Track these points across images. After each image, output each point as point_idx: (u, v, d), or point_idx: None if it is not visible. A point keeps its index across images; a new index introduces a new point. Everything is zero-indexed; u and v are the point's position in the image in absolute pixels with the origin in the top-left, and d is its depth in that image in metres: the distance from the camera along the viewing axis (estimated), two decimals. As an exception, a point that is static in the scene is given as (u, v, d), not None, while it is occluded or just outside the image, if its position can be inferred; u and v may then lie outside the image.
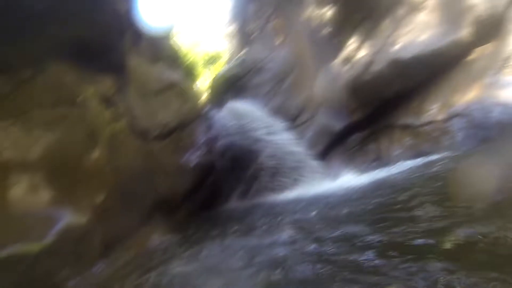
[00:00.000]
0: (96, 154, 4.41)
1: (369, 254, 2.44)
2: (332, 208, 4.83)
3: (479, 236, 2.24)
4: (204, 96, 11.95)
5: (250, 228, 4.67)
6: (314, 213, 4.69)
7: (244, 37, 12.56)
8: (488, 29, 6.87)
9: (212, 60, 15.36)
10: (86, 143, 4.34)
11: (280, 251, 3.13)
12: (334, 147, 9.47)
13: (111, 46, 5.29)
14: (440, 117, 7.17)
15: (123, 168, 4.95)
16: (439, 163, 5.98)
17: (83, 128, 4.37)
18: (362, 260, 2.39)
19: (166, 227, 5.53)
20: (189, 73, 10.15)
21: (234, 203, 8.39)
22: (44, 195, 3.65)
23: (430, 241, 2.43)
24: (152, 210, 5.32)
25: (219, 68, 12.69)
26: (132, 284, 3.02)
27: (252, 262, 2.98)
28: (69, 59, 4.45)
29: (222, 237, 4.35)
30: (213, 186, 8.13)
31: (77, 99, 4.41)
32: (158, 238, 4.89)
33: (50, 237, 3.14)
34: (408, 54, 7.51)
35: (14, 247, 2.74)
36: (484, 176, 3.54)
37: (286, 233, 3.82)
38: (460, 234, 2.36)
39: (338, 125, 9.08)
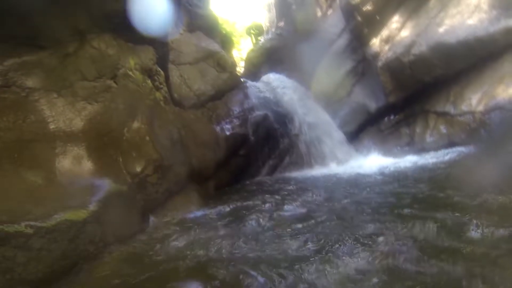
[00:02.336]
0: (137, 124, 4.61)
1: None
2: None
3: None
4: (241, 67, 11.89)
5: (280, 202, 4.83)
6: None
7: (284, 7, 12.22)
8: None
9: (250, 30, 15.14)
10: (127, 114, 4.53)
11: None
12: (367, 127, 9.35)
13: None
14: (479, 108, 6.85)
15: (161, 138, 5.14)
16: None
17: (125, 99, 4.55)
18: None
19: (200, 197, 5.75)
20: (227, 43, 10.07)
21: (264, 176, 8.50)
22: (87, 165, 3.90)
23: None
24: (187, 179, 5.50)
25: (258, 38, 12.49)
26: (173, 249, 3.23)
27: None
28: (111, 31, 4.57)
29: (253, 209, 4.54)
30: (245, 158, 8.26)
31: (119, 71, 4.56)
32: (193, 207, 5.08)
33: (94, 205, 3.34)
34: (453, 38, 7.10)
35: (62, 215, 2.94)
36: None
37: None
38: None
39: (373, 105, 8.90)
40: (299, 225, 3.52)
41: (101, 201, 3.45)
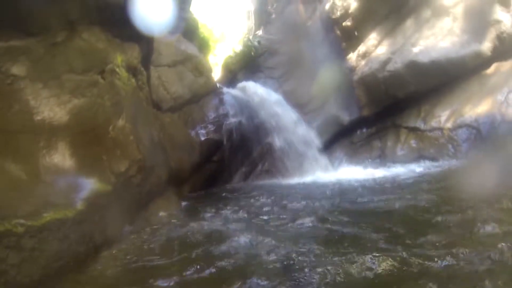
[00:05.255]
0: (122, 122, 4.43)
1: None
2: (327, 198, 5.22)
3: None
4: (218, 73, 11.84)
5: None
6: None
7: (263, 16, 12.37)
8: (509, 47, 7.00)
9: (228, 37, 15.17)
10: (113, 111, 4.34)
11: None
12: (340, 138, 9.59)
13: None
14: (448, 125, 7.34)
15: (144, 138, 4.99)
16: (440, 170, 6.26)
17: (112, 96, 4.36)
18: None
19: (177, 200, 5.66)
20: (204, 47, 10.00)
21: (237, 183, 8.48)
22: (72, 161, 3.68)
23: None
24: (167, 182, 5.40)
25: (235, 45, 12.52)
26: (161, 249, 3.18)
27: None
28: (101, 25, 4.40)
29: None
30: (218, 164, 8.21)
31: (107, 66, 4.38)
32: (173, 209, 4.99)
33: (80, 204, 3.18)
34: (426, 57, 7.59)
35: (51, 213, 2.76)
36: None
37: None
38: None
39: (346, 117, 9.18)
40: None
41: (87, 200, 3.28)
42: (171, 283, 2.39)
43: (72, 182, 3.52)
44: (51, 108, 3.68)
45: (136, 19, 4.94)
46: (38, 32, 3.70)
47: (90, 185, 3.58)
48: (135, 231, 3.82)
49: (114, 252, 3.15)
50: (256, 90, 9.41)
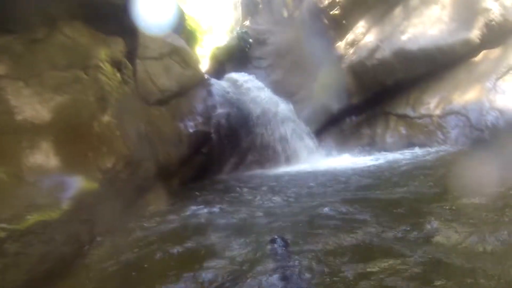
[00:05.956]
0: (107, 118, 4.36)
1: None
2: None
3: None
4: (205, 64, 11.73)
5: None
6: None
7: (250, 7, 12.23)
8: (498, 35, 7.00)
9: (215, 28, 14.97)
10: (98, 107, 4.27)
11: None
12: (329, 127, 9.62)
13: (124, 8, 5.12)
14: (436, 112, 7.38)
15: (130, 133, 4.94)
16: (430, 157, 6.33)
17: (95, 91, 4.29)
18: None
19: (167, 194, 5.64)
20: (191, 39, 9.88)
21: (226, 174, 8.48)
22: (56, 160, 3.61)
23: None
24: (155, 176, 5.37)
25: (222, 36, 12.38)
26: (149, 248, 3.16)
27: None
28: (83, 20, 4.30)
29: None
30: (207, 156, 8.18)
31: (91, 61, 4.30)
32: (163, 204, 4.98)
33: (66, 203, 3.14)
34: (415, 45, 7.59)
35: (34, 215, 2.73)
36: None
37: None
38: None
39: (335, 106, 9.19)
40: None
41: (73, 200, 3.25)
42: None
43: (56, 181, 3.47)
44: (33, 106, 3.61)
45: (121, 12, 4.87)
46: (17, 29, 3.61)
47: (75, 183, 3.53)
48: (124, 229, 3.79)
49: (101, 252, 3.12)
50: (244, 81, 9.35)
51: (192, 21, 10.91)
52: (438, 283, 2.01)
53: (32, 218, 2.70)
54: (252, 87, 9.21)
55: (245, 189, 5.73)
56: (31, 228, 2.62)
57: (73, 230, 3.01)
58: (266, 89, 9.39)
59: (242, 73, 9.67)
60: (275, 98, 9.25)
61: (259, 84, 9.42)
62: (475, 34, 7.06)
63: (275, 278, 2.23)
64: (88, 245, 3.11)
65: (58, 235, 2.81)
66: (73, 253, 2.88)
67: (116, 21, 4.74)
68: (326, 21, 9.13)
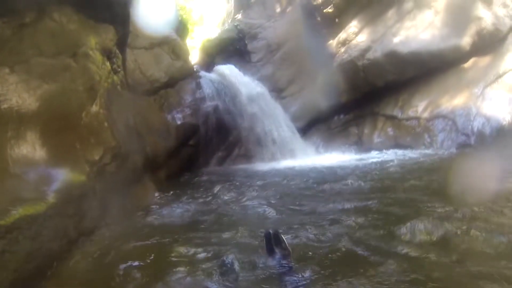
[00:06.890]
0: (96, 108, 4.24)
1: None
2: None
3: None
4: (195, 56, 11.54)
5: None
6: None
7: (242, 0, 12.07)
8: (488, 43, 7.17)
9: (206, 20, 14.75)
10: (86, 96, 4.14)
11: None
12: (317, 124, 9.62)
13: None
14: (424, 115, 7.51)
15: (118, 124, 4.82)
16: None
17: (84, 80, 4.15)
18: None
19: (154, 186, 5.57)
20: (182, 30, 9.69)
21: (213, 167, 8.43)
22: (43, 151, 3.48)
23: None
24: (143, 168, 5.28)
25: (213, 28, 12.20)
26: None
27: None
28: (73, 6, 4.14)
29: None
30: (195, 148, 8.11)
31: (80, 49, 4.15)
32: (151, 197, 4.95)
33: (53, 196, 3.03)
34: (406, 48, 7.68)
35: (20, 210, 2.62)
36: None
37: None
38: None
39: (324, 103, 9.17)
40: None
41: (60, 192, 3.14)
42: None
43: (43, 173, 3.34)
44: (19, 95, 3.45)
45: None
46: (3, 13, 3.44)
47: (62, 176, 3.42)
48: (111, 222, 3.71)
49: (89, 246, 3.05)
50: (233, 74, 9.25)
51: (183, 11, 10.69)
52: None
53: (18, 213, 2.58)
54: (240, 81, 9.10)
55: (227, 185, 5.73)
56: (17, 223, 2.51)
57: (60, 225, 2.90)
58: (252, 83, 9.31)
59: (230, 65, 9.53)
60: (263, 92, 9.19)
61: (246, 79, 9.32)
62: (466, 41, 7.19)
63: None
64: (75, 240, 3.01)
65: (45, 230, 2.71)
66: (60, 248, 2.79)
67: (107, 8, 4.60)
68: (319, 18, 9.11)
